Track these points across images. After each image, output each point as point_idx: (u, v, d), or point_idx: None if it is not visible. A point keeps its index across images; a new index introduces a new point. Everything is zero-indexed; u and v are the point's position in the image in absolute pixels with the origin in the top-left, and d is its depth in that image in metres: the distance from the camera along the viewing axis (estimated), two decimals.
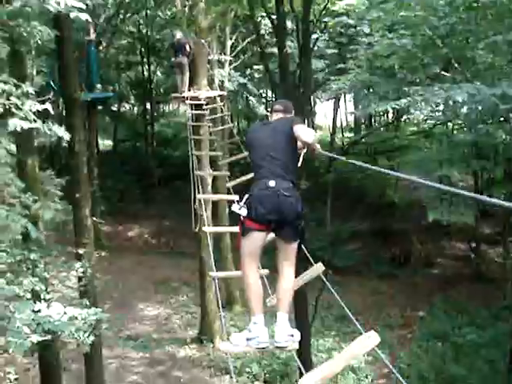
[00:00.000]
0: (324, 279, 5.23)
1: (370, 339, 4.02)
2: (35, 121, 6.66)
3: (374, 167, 4.58)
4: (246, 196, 4.72)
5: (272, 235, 4.85)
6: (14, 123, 6.46)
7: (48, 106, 6.80)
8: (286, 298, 4.65)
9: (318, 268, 5.13)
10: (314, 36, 16.28)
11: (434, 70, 10.99)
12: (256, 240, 4.61)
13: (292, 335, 4.58)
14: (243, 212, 4.64)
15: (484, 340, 18.62)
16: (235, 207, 4.74)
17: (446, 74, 10.81)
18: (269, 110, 5.39)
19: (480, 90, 9.07)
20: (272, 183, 4.60)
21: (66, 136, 7.42)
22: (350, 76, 13.27)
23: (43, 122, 6.92)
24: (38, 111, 6.74)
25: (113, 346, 18.03)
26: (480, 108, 11.59)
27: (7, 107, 6.52)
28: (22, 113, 6.50)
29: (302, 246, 5.07)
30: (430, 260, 27.47)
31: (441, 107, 19.43)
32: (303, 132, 4.87)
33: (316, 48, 19.63)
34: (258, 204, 4.57)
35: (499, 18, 10.07)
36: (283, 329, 4.56)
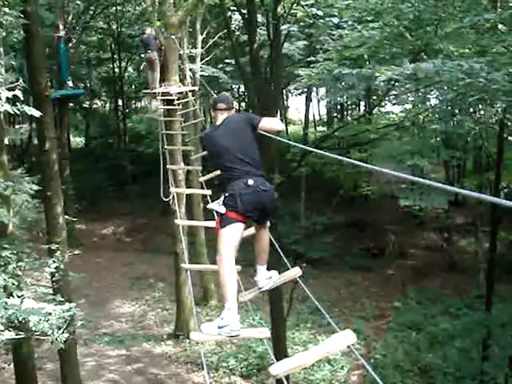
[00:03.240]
0: (300, 282, 5.34)
1: (345, 337, 4.05)
2: (2, 105, 6.62)
3: (343, 158, 4.67)
4: (226, 194, 4.82)
5: (248, 231, 5.22)
6: None
7: (18, 92, 6.76)
8: (265, 254, 5.14)
9: (295, 272, 5.22)
10: (285, 27, 16.26)
11: (403, 61, 11.09)
12: (236, 230, 4.74)
13: (270, 277, 5.14)
14: (222, 210, 4.81)
15: (457, 329, 18.85)
16: (214, 205, 4.90)
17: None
18: (220, 107, 5.36)
19: (446, 64, 9.24)
20: (251, 181, 4.81)
21: (37, 113, 7.38)
22: (319, 68, 13.33)
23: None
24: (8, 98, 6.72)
25: (89, 343, 17.96)
26: (446, 88, 11.69)
27: None
28: None
29: (274, 242, 5.40)
30: (404, 251, 27.78)
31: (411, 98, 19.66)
32: (271, 124, 5.35)
33: (287, 39, 19.64)
34: (241, 201, 4.75)
35: (466, 7, 10.20)
36: (262, 274, 5.12)
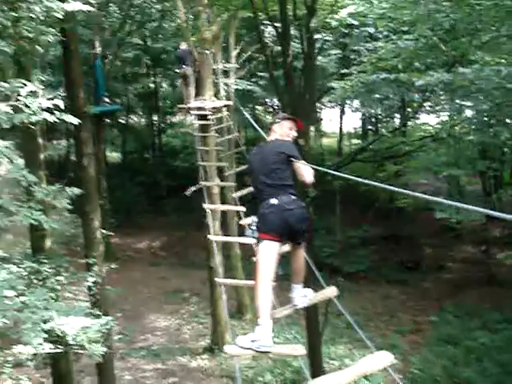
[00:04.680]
0: (336, 302, 5.29)
1: (382, 357, 4.02)
2: (41, 113, 6.73)
3: (367, 181, 4.65)
4: (255, 219, 4.97)
5: (286, 247, 5.20)
6: (20, 117, 6.58)
7: (59, 101, 6.86)
8: (300, 274, 5.16)
9: (330, 291, 5.22)
10: (319, 36, 16.28)
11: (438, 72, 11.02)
12: (271, 249, 4.77)
13: (305, 295, 5.20)
14: (255, 234, 4.97)
15: (496, 343, 18.53)
16: (249, 232, 5.00)
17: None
18: (274, 125, 5.44)
19: (484, 70, 9.17)
20: (274, 201, 4.87)
21: (75, 121, 7.47)
22: (353, 81, 13.31)
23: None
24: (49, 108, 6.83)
25: (125, 357, 18.07)
26: (483, 97, 11.56)
27: (17, 105, 6.61)
28: (30, 110, 6.59)
29: (308, 259, 5.42)
30: (440, 264, 27.41)
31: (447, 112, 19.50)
32: (304, 172, 5.21)
33: (321, 52, 19.63)
34: (265, 221, 4.85)
35: (504, 16, 10.09)
36: (298, 292, 5.17)
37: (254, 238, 4.96)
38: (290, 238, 5.00)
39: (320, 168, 5.58)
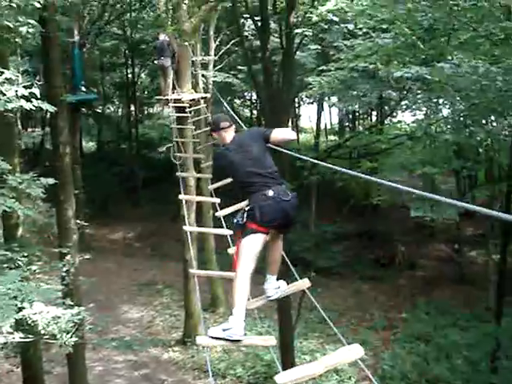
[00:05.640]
0: (309, 294, 5.33)
1: (353, 351, 4.04)
2: (18, 101, 6.66)
3: (350, 171, 4.67)
4: (246, 209, 4.86)
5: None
6: None
7: (35, 90, 6.78)
8: (277, 264, 5.19)
9: (303, 283, 5.26)
10: (299, 31, 16.29)
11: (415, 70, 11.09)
12: (257, 241, 4.76)
13: (279, 287, 5.21)
14: (242, 220, 4.87)
15: (466, 341, 18.74)
16: (238, 219, 4.89)
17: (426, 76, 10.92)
18: (224, 125, 5.36)
19: (462, 65, 9.25)
20: (270, 192, 4.82)
21: (51, 109, 7.39)
22: (331, 77, 13.36)
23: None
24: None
25: (97, 348, 17.97)
26: (460, 92, 11.65)
27: None
28: (6, 98, 6.51)
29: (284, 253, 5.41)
30: (413, 262, 27.64)
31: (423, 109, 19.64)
32: (283, 134, 5.39)
33: (300, 47, 19.61)
34: (261, 213, 4.77)
35: (481, 17, 10.18)
36: (272, 284, 5.19)
37: (239, 225, 4.88)
38: (280, 229, 5.02)
39: (302, 157, 5.60)
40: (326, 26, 16.97)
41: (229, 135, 5.31)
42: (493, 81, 9.39)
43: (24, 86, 6.76)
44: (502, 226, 18.68)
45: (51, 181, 8.56)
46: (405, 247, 27.91)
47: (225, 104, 18.56)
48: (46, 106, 7.19)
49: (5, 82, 6.52)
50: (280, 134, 5.31)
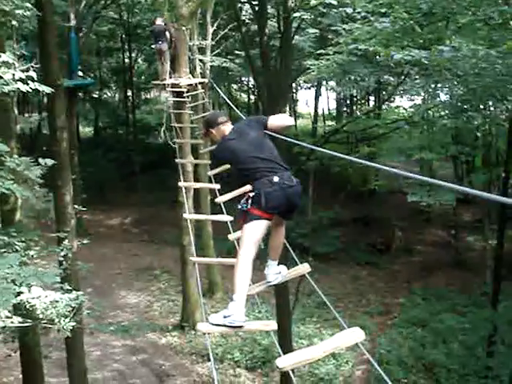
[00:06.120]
0: (309, 278, 5.31)
1: (354, 334, 4.03)
2: (15, 83, 6.63)
3: (347, 156, 4.63)
4: (251, 195, 4.78)
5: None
6: None
7: (32, 73, 6.74)
8: (279, 249, 5.15)
9: (304, 268, 5.23)
10: (297, 14, 16.20)
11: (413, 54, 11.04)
12: (260, 227, 4.70)
13: (279, 272, 5.15)
14: (246, 206, 4.77)
15: (463, 326, 18.83)
16: (242, 205, 4.83)
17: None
18: (222, 120, 5.32)
19: (461, 48, 9.21)
20: (276, 178, 4.74)
21: (48, 90, 7.35)
22: (329, 61, 13.29)
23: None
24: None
25: (94, 333, 18.02)
26: (460, 74, 11.60)
27: None
28: (3, 81, 6.47)
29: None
30: (410, 247, 27.73)
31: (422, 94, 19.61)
32: (281, 121, 5.35)
33: (298, 31, 19.48)
34: (266, 199, 4.70)
35: (477, 3, 10.13)
36: (272, 269, 5.13)
37: (243, 211, 4.84)
38: (284, 215, 4.97)
39: (300, 142, 5.57)
40: (324, 10, 16.83)
41: (227, 128, 5.28)
42: (492, 64, 9.35)
43: (21, 70, 6.71)
44: (499, 212, 18.71)
45: (49, 161, 8.49)
46: (402, 233, 28.00)
47: (220, 92, 18.50)
48: (42, 87, 7.13)
49: (1, 65, 6.48)
50: (277, 120, 5.30)
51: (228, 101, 15.77)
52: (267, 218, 4.72)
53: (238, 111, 13.25)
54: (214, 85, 19.27)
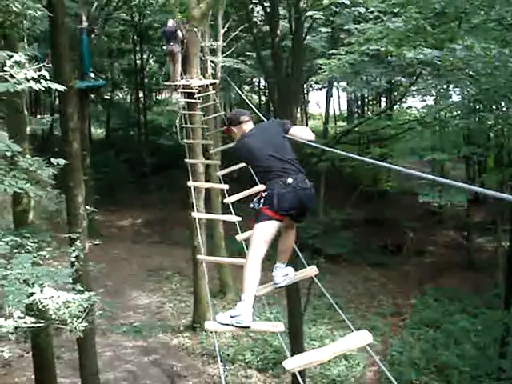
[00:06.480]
0: (317, 281, 5.29)
1: (362, 337, 4.02)
2: (27, 83, 6.64)
3: (360, 157, 4.58)
4: (264, 194, 4.77)
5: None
6: (6, 85, 6.48)
7: (44, 72, 6.75)
8: (288, 252, 5.14)
9: (311, 271, 5.22)
10: (310, 13, 16.18)
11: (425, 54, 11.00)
12: (270, 227, 4.69)
13: (287, 274, 5.13)
14: (258, 205, 4.78)
15: (475, 327, 18.75)
16: (254, 204, 4.82)
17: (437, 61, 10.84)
18: (244, 119, 5.31)
19: (474, 47, 9.18)
20: (290, 180, 4.72)
21: (60, 88, 7.36)
22: (341, 61, 13.26)
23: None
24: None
25: (106, 333, 18.09)
26: (472, 74, 11.55)
27: (2, 76, 6.52)
28: (15, 80, 6.50)
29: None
30: (422, 248, 27.62)
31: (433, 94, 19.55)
32: (303, 133, 5.29)
33: (309, 31, 19.46)
34: (278, 200, 4.69)
35: (490, 3, 10.10)
36: (280, 271, 5.13)
37: (254, 210, 4.83)
38: (296, 217, 4.93)
39: (311, 143, 5.54)
40: (336, 9, 16.81)
41: (248, 126, 5.28)
42: (504, 64, 9.31)
43: (33, 69, 6.73)
44: None
45: (62, 161, 8.49)
46: (413, 234, 27.89)
47: (237, 89, 18.48)
48: (55, 86, 7.12)
49: (14, 64, 6.50)
50: (299, 131, 5.28)
51: (247, 101, 15.74)
52: (278, 219, 4.70)
53: (257, 110, 13.17)
54: (230, 81, 19.28)
